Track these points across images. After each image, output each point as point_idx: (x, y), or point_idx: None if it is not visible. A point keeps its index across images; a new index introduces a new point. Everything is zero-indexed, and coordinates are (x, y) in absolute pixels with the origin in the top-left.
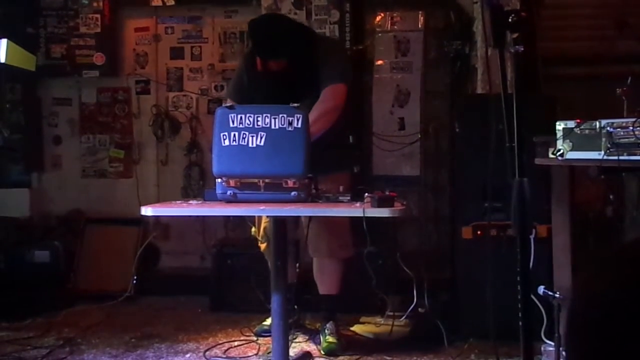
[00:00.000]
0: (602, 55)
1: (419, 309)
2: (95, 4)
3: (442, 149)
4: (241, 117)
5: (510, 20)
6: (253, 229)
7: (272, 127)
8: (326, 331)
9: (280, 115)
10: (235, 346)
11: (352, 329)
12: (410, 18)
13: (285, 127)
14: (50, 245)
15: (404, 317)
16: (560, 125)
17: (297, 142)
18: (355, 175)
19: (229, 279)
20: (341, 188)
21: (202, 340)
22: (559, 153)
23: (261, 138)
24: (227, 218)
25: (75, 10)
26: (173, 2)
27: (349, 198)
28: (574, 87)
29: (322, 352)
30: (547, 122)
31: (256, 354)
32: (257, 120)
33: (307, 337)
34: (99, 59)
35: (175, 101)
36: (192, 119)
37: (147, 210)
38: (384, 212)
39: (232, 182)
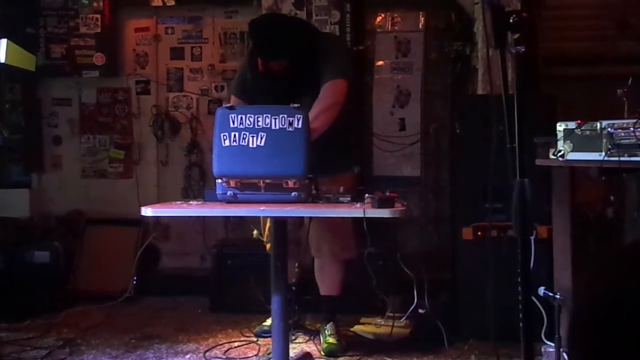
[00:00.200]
0: (603, 56)
1: (419, 310)
2: (95, 4)
3: (443, 149)
4: (241, 118)
5: (511, 20)
6: (255, 232)
7: (273, 127)
8: (326, 332)
9: (281, 116)
10: (235, 347)
11: (352, 329)
12: (410, 18)
13: (285, 128)
14: (50, 245)
15: (404, 318)
16: (561, 126)
17: (298, 142)
18: (356, 176)
19: (229, 279)
20: (341, 189)
21: (202, 341)
22: (559, 154)
23: (261, 138)
24: (227, 219)
25: (75, 10)
26: (173, 3)
27: (349, 199)
28: (575, 88)
29: (322, 353)
30: (547, 123)
31: (256, 355)
32: (258, 121)
33: (307, 338)
34: (99, 59)
35: (175, 101)
36: (192, 119)
37: (147, 211)
38: (384, 213)
39: (232, 183)
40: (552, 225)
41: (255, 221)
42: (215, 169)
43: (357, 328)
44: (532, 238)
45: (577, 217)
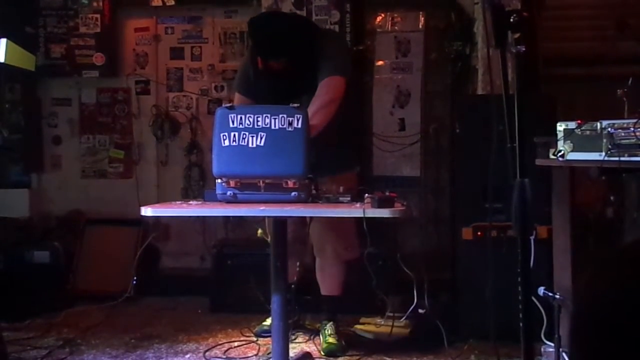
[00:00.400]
0: (603, 56)
1: (419, 310)
2: (95, 4)
3: (443, 149)
4: (241, 118)
5: (511, 20)
6: (259, 231)
7: (272, 127)
8: (326, 331)
9: (280, 116)
10: (235, 347)
11: (352, 329)
12: (410, 18)
13: (285, 128)
14: (50, 245)
15: (404, 318)
16: (561, 126)
17: (297, 142)
18: (359, 175)
19: (229, 279)
20: (341, 188)
21: (202, 341)
22: (559, 154)
23: (261, 138)
24: (227, 219)
25: (75, 10)
26: (173, 2)
27: (349, 199)
28: (575, 88)
29: (322, 353)
30: (547, 123)
31: (256, 355)
32: (257, 121)
33: (307, 338)
34: (98, 59)
35: (175, 101)
36: (192, 119)
37: (147, 211)
38: (384, 213)
39: (232, 183)
40: (552, 225)
41: (259, 221)
42: (214, 169)
43: (357, 328)
44: (532, 238)
45: (577, 217)
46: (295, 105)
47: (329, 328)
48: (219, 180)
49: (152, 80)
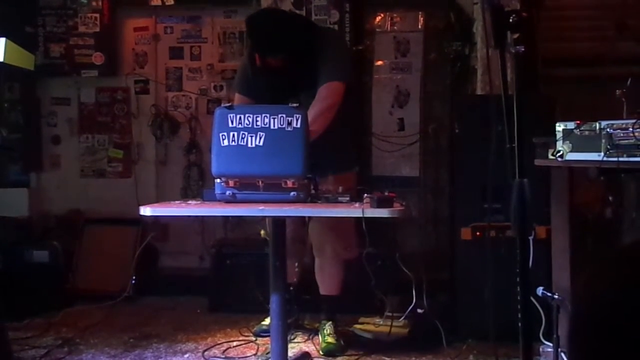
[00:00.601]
0: (602, 57)
1: (418, 310)
2: (94, 3)
3: (442, 149)
4: (240, 117)
5: (510, 20)
6: (262, 232)
7: (271, 127)
8: (325, 331)
9: (279, 115)
10: (234, 346)
11: (351, 329)
12: (410, 19)
13: (284, 127)
14: (49, 245)
15: (402, 318)
16: (560, 127)
17: (296, 142)
18: (358, 175)
19: (227, 279)
20: (340, 188)
21: (201, 341)
22: (558, 154)
23: (260, 138)
24: (226, 218)
25: (74, 9)
26: (172, 2)
27: (348, 198)
28: (574, 89)
29: (321, 353)
30: (546, 123)
31: (255, 354)
32: (256, 121)
33: (306, 337)
34: (98, 58)
35: (174, 101)
36: (192, 119)
37: (146, 210)
38: (383, 213)
39: (231, 183)
40: (551, 226)
41: (260, 220)
42: (214, 169)
43: (356, 327)
44: (530, 238)
45: (576, 218)
46: (295, 105)
47: (327, 328)
48: (218, 180)
49: (152, 80)
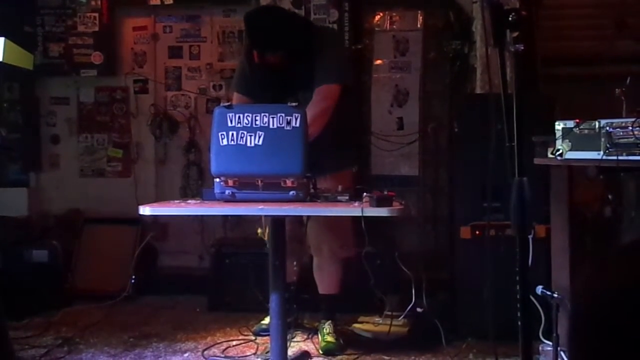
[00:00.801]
0: (601, 55)
1: (417, 309)
2: (93, 3)
3: (441, 148)
4: (239, 117)
5: (510, 18)
6: (259, 231)
7: (270, 126)
8: (324, 330)
9: (279, 115)
10: (233, 345)
11: (350, 328)
12: (409, 17)
13: (283, 127)
14: (49, 244)
15: (402, 317)
16: (559, 125)
17: (296, 141)
18: (355, 174)
19: (227, 278)
20: (340, 187)
21: (201, 340)
22: (558, 153)
23: (259, 137)
24: (225, 218)
25: (73, 9)
26: (171, 1)
27: (347, 197)
28: (573, 87)
29: (321, 352)
30: (546, 122)
31: (254, 354)
32: (255, 120)
33: (305, 337)
34: (97, 58)
35: (173, 100)
36: (191, 118)
37: (145, 210)
38: (382, 212)
39: (230, 182)
40: (550, 224)
41: (259, 220)
42: (213, 168)
43: (355, 327)
44: (530, 237)
45: (575, 216)
46: (294, 104)
47: (327, 327)
48: (218, 179)
49: (151, 79)
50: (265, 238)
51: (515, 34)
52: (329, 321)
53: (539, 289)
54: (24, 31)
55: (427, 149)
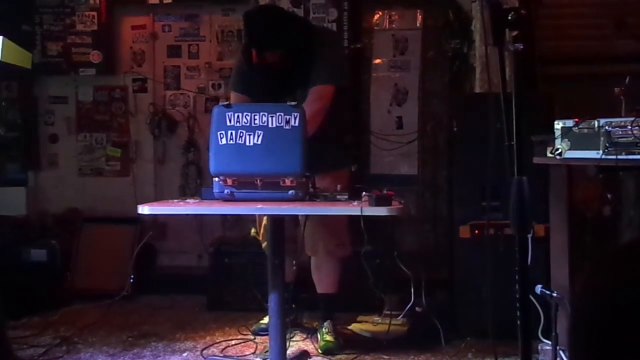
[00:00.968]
0: (601, 55)
1: (417, 308)
2: (91, 2)
3: (440, 148)
4: (238, 116)
5: (509, 18)
6: (253, 230)
7: (269, 125)
8: (324, 330)
9: (278, 114)
10: (232, 345)
11: (349, 327)
12: (408, 16)
13: (282, 126)
14: (47, 244)
15: (401, 316)
16: (558, 125)
17: (295, 140)
18: (353, 173)
19: (226, 277)
20: (339, 187)
21: (200, 339)
22: (557, 152)
23: (258, 136)
24: (224, 217)
25: (71, 7)
26: (170, 0)
27: (346, 197)
28: (573, 86)
29: (320, 351)
30: (545, 121)
31: (254, 353)
32: (254, 119)
33: (304, 336)
34: (95, 56)
35: (172, 99)
36: (190, 117)
37: (144, 209)
38: (381, 211)
39: (229, 181)
40: (550, 224)
41: (252, 219)
42: (212, 167)
43: (354, 326)
44: (529, 236)
45: (574, 215)
46: (293, 103)
47: (326, 326)
48: (216, 179)
49: (149, 78)
50: (260, 238)
51: (515, 33)
52: (328, 320)
53: (538, 288)
54: (22, 30)
55: (426, 148)
